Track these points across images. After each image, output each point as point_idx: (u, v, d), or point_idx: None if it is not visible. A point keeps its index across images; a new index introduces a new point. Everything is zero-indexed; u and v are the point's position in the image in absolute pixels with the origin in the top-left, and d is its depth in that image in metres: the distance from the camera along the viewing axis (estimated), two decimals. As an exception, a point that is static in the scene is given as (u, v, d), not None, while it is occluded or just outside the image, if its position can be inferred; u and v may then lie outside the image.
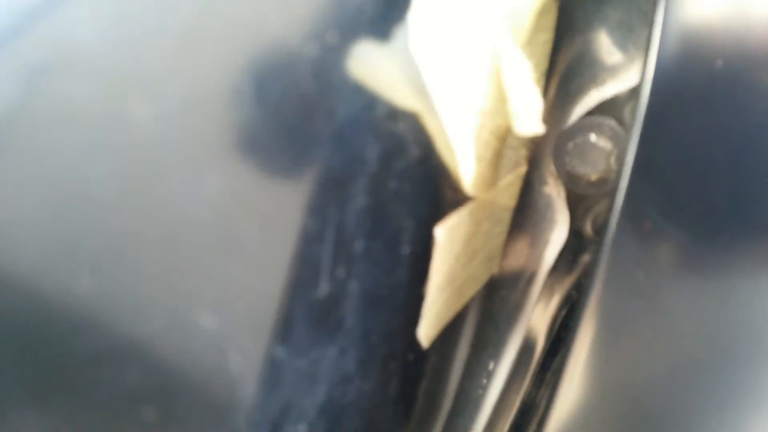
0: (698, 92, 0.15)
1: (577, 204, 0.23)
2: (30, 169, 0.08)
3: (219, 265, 0.09)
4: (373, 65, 0.13)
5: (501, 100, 0.19)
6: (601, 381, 0.16)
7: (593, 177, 0.22)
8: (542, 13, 0.21)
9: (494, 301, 0.25)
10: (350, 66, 0.13)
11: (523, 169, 0.24)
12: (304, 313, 0.11)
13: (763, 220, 0.14)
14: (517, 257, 0.25)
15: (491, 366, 0.24)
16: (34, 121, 0.08)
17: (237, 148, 0.09)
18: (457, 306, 0.22)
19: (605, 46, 0.23)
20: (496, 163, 0.21)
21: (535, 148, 0.24)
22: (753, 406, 0.16)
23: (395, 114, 0.12)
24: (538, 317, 0.24)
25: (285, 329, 0.11)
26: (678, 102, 0.15)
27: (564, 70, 0.25)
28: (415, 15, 0.12)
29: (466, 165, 0.17)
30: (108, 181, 0.07)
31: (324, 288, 0.11)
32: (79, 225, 0.08)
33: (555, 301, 0.25)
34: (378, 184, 0.12)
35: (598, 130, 0.21)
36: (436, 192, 0.15)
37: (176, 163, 0.08)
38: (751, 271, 0.15)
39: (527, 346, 0.24)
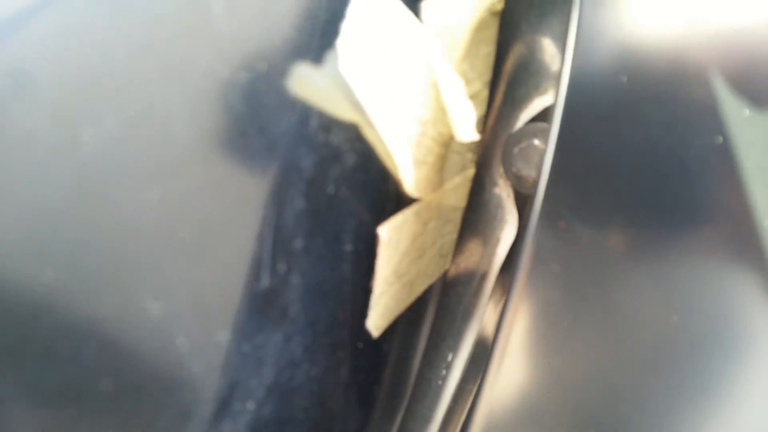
0: (605, 104, 0.17)
1: (524, 204, 0.25)
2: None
3: (164, 260, 0.11)
4: (310, 84, 0.15)
5: (441, 110, 0.21)
6: (524, 368, 0.18)
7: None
8: (482, 28, 0.23)
9: (451, 296, 0.27)
10: (290, 85, 0.14)
11: (470, 171, 0.26)
12: (248, 303, 0.13)
13: (659, 221, 0.16)
14: (471, 254, 0.26)
15: (450, 357, 0.25)
16: None
17: (183, 158, 0.11)
18: (408, 299, 0.24)
19: (548, 56, 0.25)
20: (440, 167, 0.23)
21: (485, 151, 0.26)
22: (674, 392, 0.18)
23: (329, 126, 0.14)
24: (490, 311, 0.26)
25: (230, 316, 0.13)
26: (587, 113, 0.17)
27: (510, 78, 0.26)
28: (343, 40, 0.14)
29: (405, 169, 0.19)
30: (65, 192, 0.09)
31: (265, 281, 0.13)
32: (44, 228, 0.09)
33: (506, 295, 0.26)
34: (315, 189, 0.14)
35: (541, 135, 0.23)
36: (379, 195, 0.17)
37: (124, 175, 0.10)
38: (653, 266, 0.17)
39: (482, 339, 0.26)
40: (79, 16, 0.10)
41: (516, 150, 0.24)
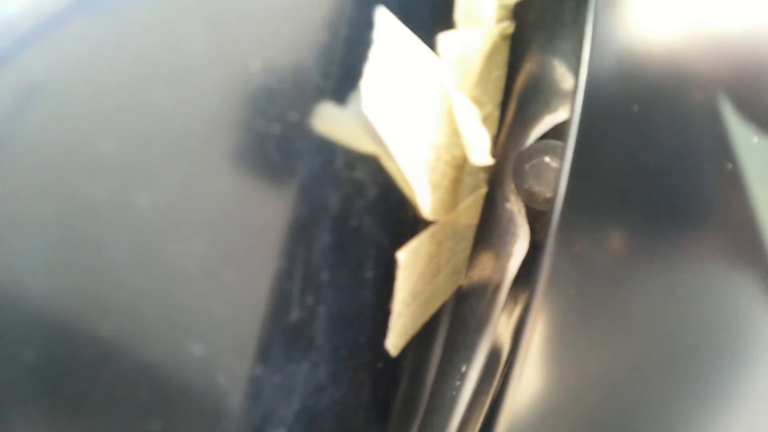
0: (618, 133, 0.17)
1: (535, 219, 0.26)
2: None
3: (206, 304, 0.12)
4: (334, 123, 0.15)
5: (455, 134, 0.21)
6: (543, 385, 0.19)
7: (548, 194, 0.24)
8: (493, 54, 0.23)
9: (464, 309, 0.27)
10: (315, 124, 0.15)
11: (483, 190, 0.26)
12: (279, 337, 0.14)
13: (674, 248, 0.17)
14: (484, 269, 0.27)
15: (464, 369, 0.26)
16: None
17: (225, 209, 0.12)
18: (424, 317, 0.25)
19: (558, 74, 0.25)
20: (455, 189, 0.23)
21: (497, 168, 0.27)
22: (694, 403, 0.19)
23: (352, 164, 0.14)
24: (503, 324, 0.27)
25: (263, 351, 0.13)
26: (600, 141, 0.17)
27: (520, 97, 0.27)
28: (367, 81, 0.14)
29: (422, 195, 0.20)
30: (122, 250, 0.10)
31: (295, 315, 0.14)
32: (103, 284, 0.10)
33: (518, 308, 0.27)
34: (340, 224, 0.14)
35: (552, 152, 0.23)
36: (398, 221, 0.18)
37: (175, 230, 0.10)
38: (668, 291, 0.17)
39: (495, 351, 0.27)
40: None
41: (527, 167, 0.24)
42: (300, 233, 0.13)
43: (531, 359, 0.19)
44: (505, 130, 0.27)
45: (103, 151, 0.10)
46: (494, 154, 0.26)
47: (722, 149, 0.18)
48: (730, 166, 0.18)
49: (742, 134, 0.18)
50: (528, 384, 0.20)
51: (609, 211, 0.18)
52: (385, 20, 0.15)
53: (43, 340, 0.10)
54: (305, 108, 0.13)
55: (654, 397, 0.18)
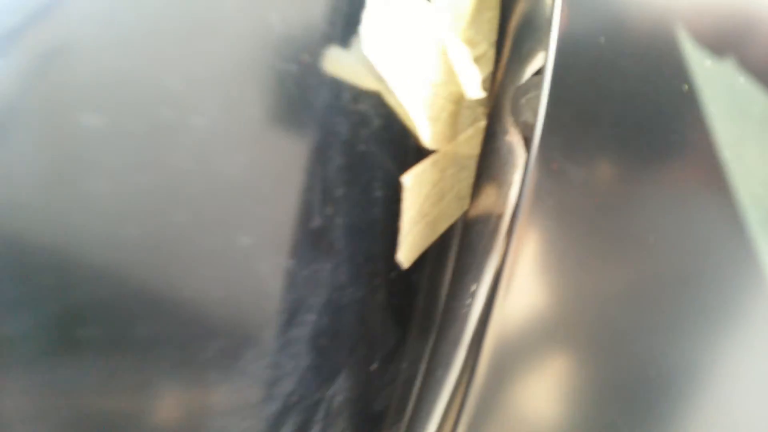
0: (587, 63, 0.20)
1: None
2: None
3: (251, 207, 0.15)
4: (341, 63, 0.19)
5: (451, 73, 0.24)
6: (530, 288, 0.23)
7: (542, 125, 0.27)
8: (484, -4, 0.26)
9: (472, 234, 0.31)
10: (325, 65, 0.19)
11: (482, 123, 0.29)
12: (305, 239, 0.17)
13: (637, 160, 0.20)
14: (488, 196, 0.30)
15: (473, 288, 0.29)
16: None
17: (260, 134, 0.15)
18: (432, 236, 0.28)
19: (549, 12, 0.28)
20: (453, 122, 0.27)
21: (496, 103, 0.30)
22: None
23: (357, 98, 0.18)
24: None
25: (293, 249, 0.17)
26: (573, 72, 0.20)
27: (515, 35, 0.30)
28: (364, 26, 0.18)
29: (422, 126, 0.23)
30: (187, 164, 0.13)
31: (317, 221, 0.17)
32: (167, 190, 0.14)
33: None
34: (349, 149, 0.18)
35: (545, 86, 0.26)
36: (402, 149, 0.21)
37: (226, 149, 0.14)
38: (633, 197, 0.21)
39: (500, 270, 0.30)
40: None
41: (523, 101, 0.27)
42: (317, 153, 0.17)
43: (520, 264, 0.23)
44: (502, 67, 0.30)
45: (169, 85, 0.13)
46: (492, 90, 0.29)
47: (679, 73, 0.21)
48: (686, 87, 0.21)
49: (696, 59, 0.21)
50: (518, 285, 0.23)
51: (581, 132, 0.21)
52: (379, -25, 0.18)
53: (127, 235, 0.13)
54: (315, 51, 0.16)
55: (624, 289, 0.22)
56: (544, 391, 0.27)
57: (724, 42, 0.20)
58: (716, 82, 0.21)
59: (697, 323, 0.22)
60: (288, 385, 0.18)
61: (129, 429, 0.14)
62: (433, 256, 0.31)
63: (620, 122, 0.20)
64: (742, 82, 0.20)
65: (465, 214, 0.31)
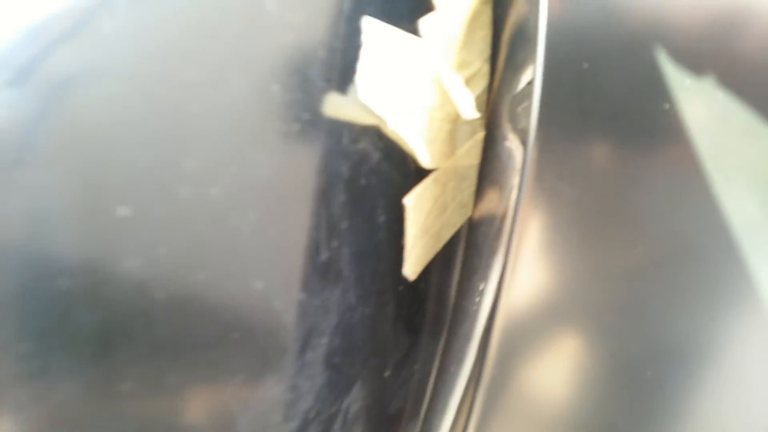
0: (572, 87, 0.22)
1: (530, 154, 0.30)
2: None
3: (263, 252, 0.17)
4: (340, 108, 0.20)
5: (445, 95, 0.26)
6: (533, 276, 0.24)
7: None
8: (475, 18, 0.27)
9: (478, 236, 0.32)
10: (326, 110, 0.20)
11: (480, 134, 0.31)
12: (314, 272, 0.19)
13: (627, 180, 0.22)
14: (491, 200, 0.32)
15: (481, 287, 0.31)
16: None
17: (269, 186, 0.17)
18: (436, 246, 0.30)
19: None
20: (451, 139, 0.28)
21: (494, 110, 0.31)
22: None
23: (357, 138, 0.19)
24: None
25: (303, 283, 0.19)
26: (560, 97, 0.22)
27: (509, 46, 0.31)
28: (360, 75, 0.19)
29: (420, 152, 0.24)
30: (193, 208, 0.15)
31: (324, 255, 0.19)
32: (190, 237, 0.16)
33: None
34: (351, 185, 0.19)
35: (539, 95, 0.27)
36: (402, 174, 0.23)
37: (237, 196, 0.16)
38: (621, 214, 0.22)
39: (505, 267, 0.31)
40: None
41: (519, 109, 0.29)
42: (321, 195, 0.19)
43: (520, 264, 0.24)
44: (498, 76, 0.31)
45: (187, 166, 0.15)
46: (490, 99, 0.30)
47: (660, 92, 0.22)
48: (667, 105, 0.22)
49: (676, 78, 0.22)
50: (519, 284, 0.25)
51: (569, 152, 0.22)
52: (370, 25, 0.19)
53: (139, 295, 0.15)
54: (314, 108, 0.18)
55: (619, 269, 0.23)
56: (550, 376, 0.28)
57: (703, 59, 0.22)
58: (696, 99, 0.22)
59: (697, 328, 0.23)
60: (306, 404, 0.20)
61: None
62: (439, 261, 0.33)
63: (605, 141, 0.22)
64: (721, 97, 0.21)
65: (470, 218, 0.32)
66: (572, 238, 0.24)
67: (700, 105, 0.22)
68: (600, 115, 0.22)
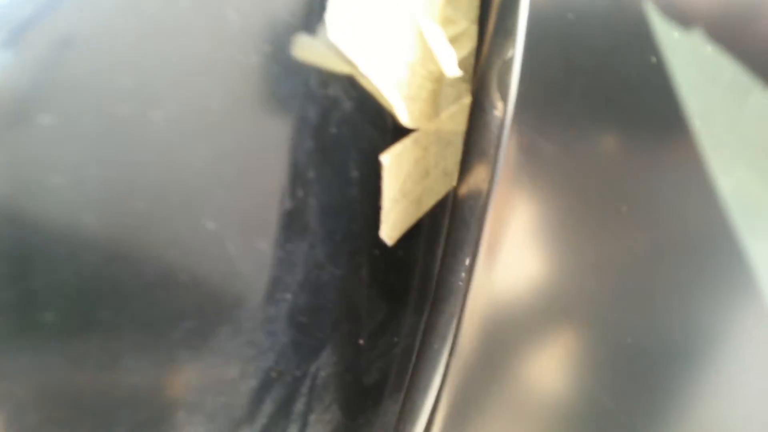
0: (558, 39, 0.21)
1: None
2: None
3: (216, 191, 0.16)
4: (309, 50, 0.19)
5: (428, 51, 0.25)
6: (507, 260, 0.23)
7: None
8: (461, -27, 0.26)
9: (464, 209, 0.31)
10: (295, 52, 0.19)
11: (466, 99, 0.30)
12: (278, 220, 0.18)
13: (607, 132, 0.21)
14: (479, 172, 0.31)
15: (467, 261, 0.30)
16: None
17: (227, 119, 0.16)
18: (418, 212, 0.29)
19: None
20: (434, 100, 0.27)
21: (483, 78, 0.30)
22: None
23: (326, 82, 0.18)
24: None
25: (264, 231, 0.18)
26: (544, 49, 0.21)
27: (498, 11, 0.30)
28: (330, 13, 0.18)
29: (398, 106, 0.23)
30: (147, 151, 0.14)
31: (288, 203, 0.18)
32: (133, 180, 0.15)
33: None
34: (320, 132, 0.19)
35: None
36: (378, 129, 0.22)
37: (193, 137, 0.15)
38: (600, 166, 0.21)
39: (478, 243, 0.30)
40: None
41: (509, 76, 0.28)
42: (285, 139, 0.18)
43: (497, 239, 0.24)
44: (487, 43, 0.30)
45: (124, 82, 0.14)
46: (477, 65, 0.29)
47: (647, 45, 0.21)
48: (654, 59, 0.21)
49: (664, 31, 0.21)
50: (498, 263, 0.24)
51: (551, 107, 0.22)
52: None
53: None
54: (277, 41, 0.17)
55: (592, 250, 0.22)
56: (532, 367, 0.27)
57: (691, 12, 0.21)
58: (684, 53, 0.21)
59: (685, 299, 0.22)
60: (266, 362, 0.19)
61: (98, 407, 0.15)
62: (425, 230, 0.32)
63: (590, 98, 0.21)
64: (709, 51, 0.20)
65: (456, 188, 0.32)
66: (553, 201, 0.23)
67: (688, 59, 0.21)
68: (584, 69, 0.21)
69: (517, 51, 0.21)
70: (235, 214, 0.17)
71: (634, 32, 0.20)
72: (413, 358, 0.31)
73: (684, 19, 0.20)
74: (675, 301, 0.23)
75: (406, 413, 0.30)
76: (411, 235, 0.29)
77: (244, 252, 0.17)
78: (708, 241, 0.22)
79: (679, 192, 0.21)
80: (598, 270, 0.23)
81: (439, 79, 0.27)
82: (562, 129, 0.21)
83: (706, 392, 0.25)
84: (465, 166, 0.32)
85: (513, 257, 0.25)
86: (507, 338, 0.27)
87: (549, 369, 0.28)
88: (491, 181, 0.23)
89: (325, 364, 0.24)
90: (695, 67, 0.20)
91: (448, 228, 0.33)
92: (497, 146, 0.22)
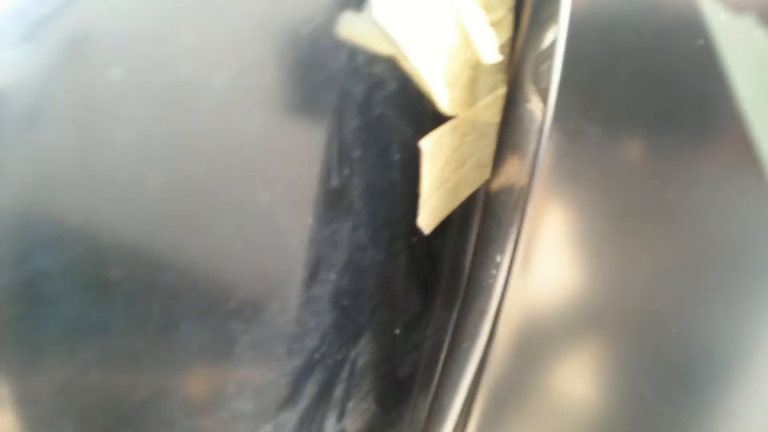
0: (602, 22, 0.21)
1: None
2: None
3: (270, 164, 0.16)
4: (354, 28, 0.20)
5: (467, 37, 0.25)
6: (549, 254, 0.23)
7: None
8: (499, -38, 0.26)
9: (496, 205, 0.31)
10: (339, 30, 0.19)
11: (501, 90, 0.30)
12: (324, 198, 0.18)
13: (653, 119, 0.21)
14: (511, 166, 0.31)
15: (498, 259, 0.30)
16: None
17: (278, 99, 0.16)
18: (453, 202, 0.29)
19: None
20: (471, 87, 0.27)
21: (516, 70, 0.30)
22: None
23: (372, 61, 0.18)
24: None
25: (313, 207, 0.18)
26: (588, 32, 0.21)
27: (534, 1, 0.30)
28: None
29: (438, 91, 0.24)
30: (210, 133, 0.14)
31: (335, 180, 0.18)
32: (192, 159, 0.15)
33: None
34: (365, 110, 0.19)
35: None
36: (419, 113, 0.22)
37: (251, 116, 0.15)
38: (648, 155, 0.21)
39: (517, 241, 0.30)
40: None
41: (543, 67, 0.28)
42: (333, 114, 0.18)
43: (538, 236, 0.23)
44: (521, 33, 0.30)
45: (187, 43, 0.14)
46: (512, 57, 0.29)
47: (694, 27, 0.21)
48: (701, 41, 0.21)
49: (712, 12, 0.21)
50: (537, 262, 0.24)
51: (596, 91, 0.21)
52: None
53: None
54: (328, 13, 0.17)
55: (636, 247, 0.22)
56: (571, 368, 0.27)
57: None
58: (733, 36, 0.21)
59: (735, 299, 0.22)
60: (311, 342, 0.19)
61: (153, 371, 0.15)
62: (456, 224, 0.31)
63: (635, 81, 0.21)
64: (759, 35, 0.20)
65: (487, 183, 0.31)
66: (598, 191, 0.23)
67: (737, 43, 0.21)
68: (629, 52, 0.21)
69: (561, 34, 0.21)
70: (287, 187, 0.17)
71: (681, 13, 0.20)
72: (442, 355, 0.31)
73: (733, 1, 0.20)
74: (723, 298, 0.22)
75: (435, 412, 0.30)
76: (443, 227, 0.29)
77: (294, 227, 0.17)
78: (759, 237, 0.22)
79: (729, 181, 0.21)
80: (644, 265, 0.23)
81: (476, 67, 0.27)
82: (607, 113, 0.21)
83: (751, 388, 0.24)
84: (497, 159, 0.31)
85: (553, 255, 0.24)
86: (544, 339, 0.27)
87: (588, 367, 0.27)
88: (531, 176, 0.23)
89: (363, 351, 0.24)
90: (745, 52, 0.20)
91: (479, 223, 0.33)
92: (539, 136, 0.22)
